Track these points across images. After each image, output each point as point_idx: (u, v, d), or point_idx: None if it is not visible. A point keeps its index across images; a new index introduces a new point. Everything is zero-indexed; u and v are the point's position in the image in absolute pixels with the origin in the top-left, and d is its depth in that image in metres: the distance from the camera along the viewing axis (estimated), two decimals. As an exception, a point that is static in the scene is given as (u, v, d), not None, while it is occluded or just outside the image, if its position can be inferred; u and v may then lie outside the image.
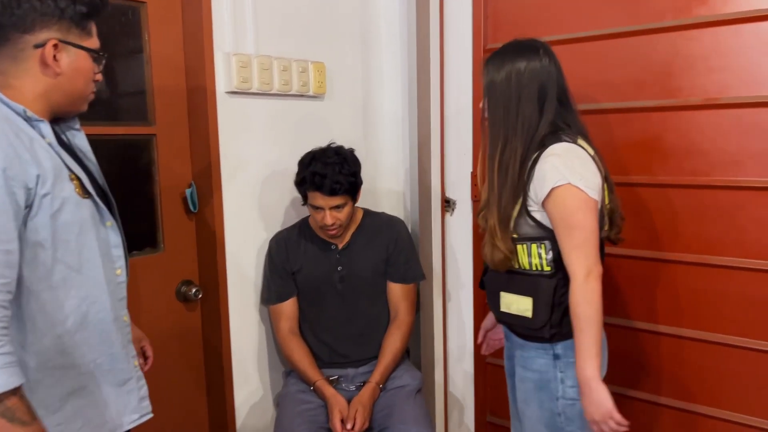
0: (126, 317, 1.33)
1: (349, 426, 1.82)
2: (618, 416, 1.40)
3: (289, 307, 2.01)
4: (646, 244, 1.88)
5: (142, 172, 1.88)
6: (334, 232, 1.94)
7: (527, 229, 1.49)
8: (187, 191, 1.92)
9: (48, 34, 1.15)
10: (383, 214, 2.17)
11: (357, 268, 2.01)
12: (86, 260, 1.21)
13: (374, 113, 2.43)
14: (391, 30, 2.38)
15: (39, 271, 1.14)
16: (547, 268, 1.49)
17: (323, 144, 2.23)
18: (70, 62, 1.19)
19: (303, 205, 2.00)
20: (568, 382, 1.50)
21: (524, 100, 1.48)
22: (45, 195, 1.12)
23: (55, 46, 1.16)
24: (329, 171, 1.85)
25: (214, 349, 2.01)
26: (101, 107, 1.80)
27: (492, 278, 1.63)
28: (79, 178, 1.21)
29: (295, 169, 2.15)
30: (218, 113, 1.90)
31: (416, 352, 2.39)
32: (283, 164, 2.12)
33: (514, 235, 1.50)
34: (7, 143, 1.08)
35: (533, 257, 1.50)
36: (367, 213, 2.11)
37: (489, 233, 1.53)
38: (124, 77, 1.82)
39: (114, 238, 1.29)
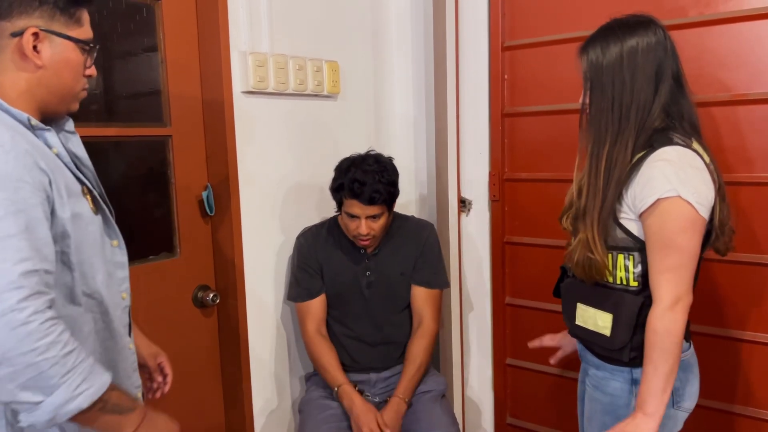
0: (131, 345, 1.23)
1: None
2: None
3: (316, 306, 1.94)
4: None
5: (158, 175, 1.83)
6: (366, 242, 1.87)
7: (614, 237, 1.33)
8: (204, 194, 1.87)
9: (27, 21, 1.03)
10: (412, 217, 2.10)
11: (385, 274, 1.94)
12: (98, 284, 1.12)
13: (387, 113, 2.39)
14: (402, 27, 2.34)
15: (63, 293, 1.06)
16: (633, 283, 1.32)
17: (339, 144, 2.21)
18: (54, 54, 1.06)
19: (336, 212, 1.94)
20: None
21: (639, 83, 1.28)
22: (63, 214, 1.03)
23: (35, 35, 1.03)
24: (369, 179, 1.78)
25: (231, 355, 1.96)
26: (116, 108, 1.76)
27: (570, 287, 1.48)
28: (91, 192, 1.12)
29: (312, 170, 2.12)
30: (235, 113, 1.85)
31: (434, 355, 2.35)
32: (301, 165, 2.08)
33: None
34: (25, 153, 0.97)
35: (619, 269, 1.33)
36: (396, 216, 2.01)
37: (581, 241, 1.35)
38: (139, 77, 1.77)
39: (120, 257, 1.19)
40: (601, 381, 1.43)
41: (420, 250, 1.97)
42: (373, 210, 1.80)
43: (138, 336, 1.41)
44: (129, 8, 1.71)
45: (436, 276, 1.99)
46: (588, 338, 1.43)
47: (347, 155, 2.21)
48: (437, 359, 2.34)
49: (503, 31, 2.12)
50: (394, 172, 1.87)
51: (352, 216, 1.82)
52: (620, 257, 1.33)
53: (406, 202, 2.41)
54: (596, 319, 1.38)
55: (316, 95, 2.11)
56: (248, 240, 1.93)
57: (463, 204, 2.30)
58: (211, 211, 1.88)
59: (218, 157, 1.87)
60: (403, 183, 2.40)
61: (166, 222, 1.84)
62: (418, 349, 1.92)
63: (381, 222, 1.85)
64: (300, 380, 2.15)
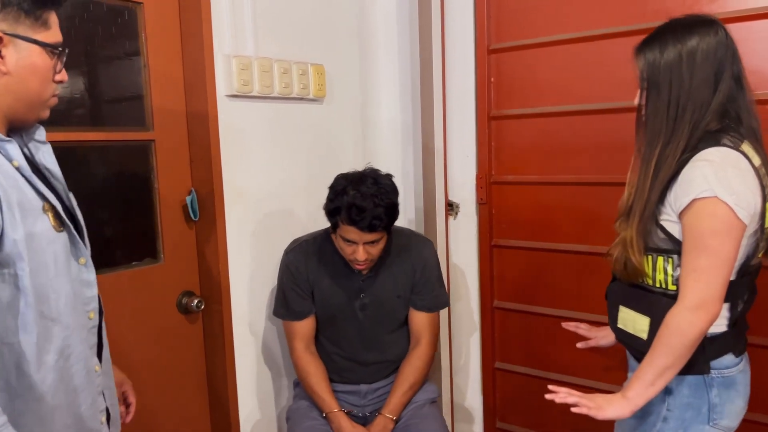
0: (98, 367, 1.16)
1: None
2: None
3: (305, 326, 1.87)
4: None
5: (141, 180, 1.80)
6: (363, 266, 1.77)
7: (654, 239, 1.29)
8: (188, 199, 1.85)
9: None
10: (410, 233, 1.99)
11: (381, 296, 1.85)
12: (60, 306, 1.05)
13: (373, 116, 2.38)
14: (388, 30, 2.33)
15: (16, 319, 0.99)
16: (672, 287, 1.27)
17: (325, 147, 2.19)
18: (20, 59, 1.01)
19: (331, 233, 1.80)
20: (671, 422, 1.33)
21: (697, 84, 1.24)
22: (15, 234, 0.97)
23: None
24: (368, 204, 1.64)
25: (217, 361, 1.93)
26: (97, 112, 1.73)
27: (614, 289, 1.44)
28: (54, 208, 1.06)
29: (298, 173, 2.11)
30: (219, 117, 1.83)
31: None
32: (286, 168, 2.07)
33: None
34: None
35: (658, 272, 1.29)
36: (393, 231, 1.85)
37: (622, 239, 1.32)
38: (121, 81, 1.75)
39: (87, 275, 1.12)
40: None
41: (420, 272, 1.87)
42: (373, 236, 1.70)
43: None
44: (110, 11, 1.69)
45: (437, 299, 1.91)
46: (627, 341, 1.39)
47: (334, 159, 2.22)
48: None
49: (489, 34, 2.12)
50: (394, 193, 1.74)
51: (349, 241, 1.72)
52: (660, 259, 1.29)
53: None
54: (635, 323, 1.34)
55: (301, 99, 2.09)
56: (233, 245, 1.90)
57: (451, 207, 2.29)
58: (195, 216, 1.86)
59: (202, 162, 1.85)
60: (391, 186, 2.40)
61: (150, 227, 1.82)
62: (412, 369, 1.87)
63: (380, 246, 1.75)
64: (288, 387, 2.12)
